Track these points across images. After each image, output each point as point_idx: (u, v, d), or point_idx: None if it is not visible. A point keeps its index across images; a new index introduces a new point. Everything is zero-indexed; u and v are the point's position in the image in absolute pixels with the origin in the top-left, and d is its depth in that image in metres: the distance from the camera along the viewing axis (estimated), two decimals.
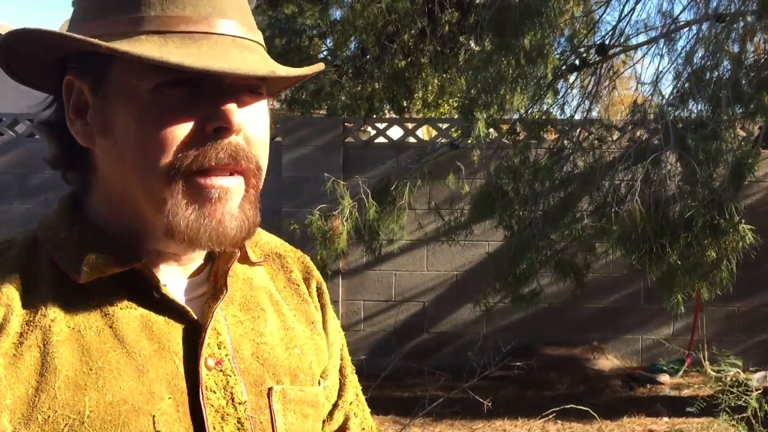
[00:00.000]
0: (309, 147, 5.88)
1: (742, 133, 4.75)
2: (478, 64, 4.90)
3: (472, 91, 4.96)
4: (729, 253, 3.56)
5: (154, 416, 0.73)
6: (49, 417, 0.70)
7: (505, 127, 5.34)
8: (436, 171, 5.35)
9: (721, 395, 3.71)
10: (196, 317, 0.78)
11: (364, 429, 1.01)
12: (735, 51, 4.27)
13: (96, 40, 0.70)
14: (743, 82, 4.08)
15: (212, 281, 0.82)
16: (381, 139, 6.07)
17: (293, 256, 0.96)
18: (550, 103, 5.07)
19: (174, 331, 0.77)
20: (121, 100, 0.73)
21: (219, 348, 0.79)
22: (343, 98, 7.03)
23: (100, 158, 0.77)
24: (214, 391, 0.77)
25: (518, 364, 5.30)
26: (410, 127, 6.06)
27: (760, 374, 5.25)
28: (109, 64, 0.73)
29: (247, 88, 0.76)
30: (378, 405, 5.15)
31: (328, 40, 7.47)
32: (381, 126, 6.16)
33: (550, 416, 3.98)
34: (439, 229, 5.71)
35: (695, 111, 4.13)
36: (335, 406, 0.98)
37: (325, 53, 7.55)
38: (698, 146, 3.54)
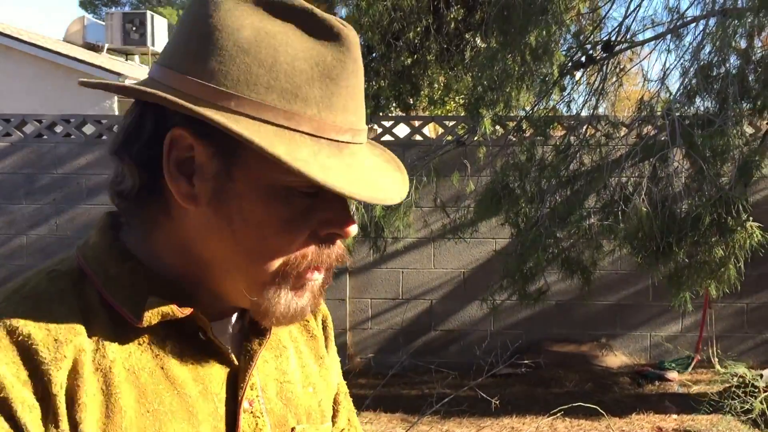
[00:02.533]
0: None
1: (750, 130, 4.73)
2: (483, 61, 4.89)
3: (478, 89, 4.95)
4: (737, 250, 3.54)
5: None
6: None
7: (511, 124, 5.33)
8: (443, 169, 5.34)
9: (728, 394, 3.70)
10: (237, 363, 0.79)
11: None
12: (742, 47, 4.25)
13: (260, 143, 0.65)
14: (750, 78, 4.06)
15: (238, 320, 0.83)
16: (387, 137, 6.07)
17: None
18: (557, 100, 5.06)
19: (216, 373, 0.78)
20: (251, 185, 0.71)
21: (251, 389, 0.80)
22: None
23: (196, 221, 0.74)
24: None
25: (526, 361, 5.30)
26: (416, 125, 6.06)
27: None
28: (242, 146, 0.68)
29: None
30: (386, 403, 5.17)
31: None
32: (387, 124, 6.15)
33: (559, 414, 3.97)
34: (445, 226, 5.71)
35: (702, 108, 4.11)
36: None
37: None
38: (705, 143, 3.52)
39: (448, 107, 8.87)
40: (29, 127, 6.13)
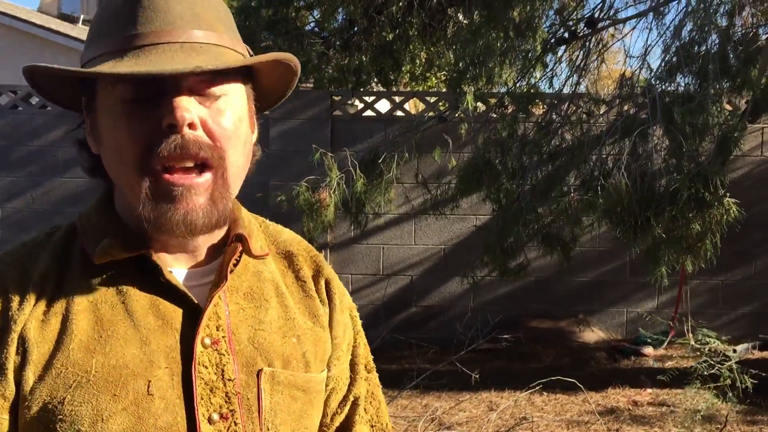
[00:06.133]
0: (297, 120, 5.85)
1: (729, 108, 4.77)
2: (466, 36, 4.87)
3: (461, 65, 4.94)
4: (713, 226, 3.59)
5: (149, 381, 0.83)
6: (61, 373, 0.82)
7: (493, 100, 5.33)
8: (424, 144, 5.34)
9: (700, 366, 3.76)
10: (196, 302, 0.88)
11: (374, 426, 1.06)
12: (723, 25, 4.26)
13: (70, 68, 0.83)
14: (731, 56, 4.09)
15: (218, 271, 0.91)
16: (369, 113, 6.04)
17: (306, 255, 1.03)
18: (538, 77, 5.06)
19: (177, 312, 0.88)
20: (102, 113, 0.86)
21: (217, 330, 0.88)
22: (330, 71, 6.97)
23: (104, 163, 0.89)
24: (206, 367, 0.86)
25: (505, 336, 5.35)
26: (398, 101, 6.03)
27: (742, 346, 5.33)
28: (95, 85, 0.86)
29: (204, 85, 0.85)
30: None
31: (315, 12, 7.39)
32: (369, 99, 6.12)
33: (537, 388, 4.02)
34: (426, 202, 5.72)
35: (683, 85, 4.13)
36: (344, 398, 1.04)
37: (312, 25, 7.47)
38: (685, 120, 3.55)
39: (429, 83, 8.83)
40: (3, 98, 6.01)
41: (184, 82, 0.83)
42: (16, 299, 0.85)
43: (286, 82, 0.96)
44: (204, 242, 0.92)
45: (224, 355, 0.87)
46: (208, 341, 0.87)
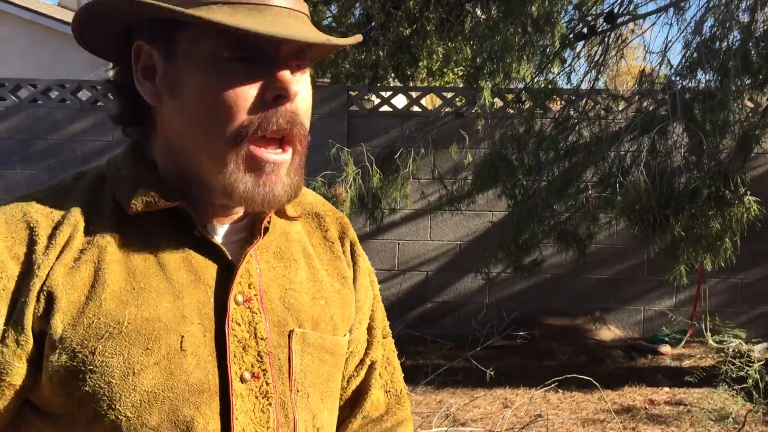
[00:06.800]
0: (313, 115, 5.77)
1: (750, 105, 4.70)
2: (484, 31, 4.84)
3: (478, 60, 4.91)
4: (733, 224, 3.54)
5: (182, 336, 0.81)
6: (93, 322, 0.79)
7: (510, 96, 5.29)
8: (440, 140, 5.32)
9: (722, 366, 3.72)
10: (230, 257, 0.87)
11: (388, 391, 1.07)
12: (745, 21, 4.20)
13: (177, 8, 0.77)
14: (752, 52, 4.03)
15: (250, 228, 0.90)
16: (385, 108, 6.03)
17: (332, 216, 1.03)
18: (556, 72, 5.02)
19: (210, 267, 0.86)
20: (190, 65, 0.80)
21: (249, 287, 0.87)
22: (347, 66, 6.97)
23: (166, 116, 0.85)
24: (239, 324, 0.85)
25: (520, 333, 5.33)
26: (415, 96, 6.01)
27: (761, 346, 5.27)
28: (177, 32, 0.81)
29: (297, 58, 0.82)
30: None
31: (333, 7, 7.38)
32: (386, 94, 6.11)
33: (552, 386, 4.01)
34: (442, 198, 5.70)
35: (703, 81, 4.08)
36: (361, 362, 1.04)
37: (329, 19, 7.47)
38: (705, 117, 3.50)
39: (446, 78, 8.80)
40: (24, 92, 6.06)
41: (284, 52, 0.81)
42: (41, 243, 0.81)
43: (322, 54, 0.97)
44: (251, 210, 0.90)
45: (256, 314, 0.86)
46: (240, 298, 0.86)
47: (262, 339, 0.86)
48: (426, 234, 5.94)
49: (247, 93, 0.79)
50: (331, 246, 1.00)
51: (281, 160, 0.83)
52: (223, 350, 0.83)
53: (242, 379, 0.84)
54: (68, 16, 11.18)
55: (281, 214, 0.94)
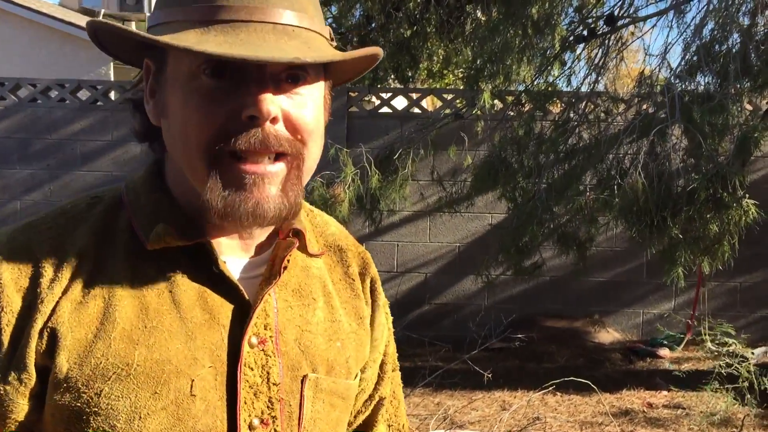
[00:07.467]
0: None
1: (750, 108, 4.70)
2: (484, 33, 4.84)
3: (478, 62, 4.91)
4: (731, 227, 3.54)
5: (193, 380, 0.78)
6: (100, 363, 0.76)
7: (510, 98, 5.29)
8: (440, 142, 5.31)
9: (719, 365, 3.72)
10: (247, 297, 0.83)
11: (391, 425, 1.05)
12: (745, 24, 4.20)
13: (146, 34, 0.76)
14: (752, 55, 4.02)
15: (269, 265, 0.86)
16: (385, 109, 6.03)
17: (354, 251, 1.00)
18: (556, 75, 5.02)
19: (226, 306, 0.82)
20: (172, 85, 0.79)
21: (265, 329, 0.84)
22: None
23: (164, 137, 0.83)
24: (252, 368, 0.82)
25: (519, 336, 5.32)
26: (415, 98, 6.01)
27: (760, 350, 5.27)
28: (165, 53, 0.80)
29: (288, 75, 0.78)
30: None
31: (333, 8, 7.38)
32: (385, 96, 6.11)
33: (550, 388, 4.00)
34: (441, 200, 5.69)
35: (703, 84, 4.08)
36: (370, 397, 1.02)
37: (329, 21, 7.47)
38: (704, 119, 3.50)
39: (446, 80, 8.80)
40: (23, 91, 6.06)
41: (269, 69, 0.77)
42: (47, 276, 0.78)
43: (362, 69, 0.93)
44: (260, 232, 0.87)
45: (270, 357, 0.83)
46: (255, 340, 0.82)
47: (274, 384, 0.83)
48: (425, 236, 5.93)
49: (221, 111, 0.76)
50: (351, 283, 0.97)
51: (266, 171, 0.78)
52: (234, 395, 0.80)
53: (251, 426, 0.81)
54: (68, 16, 11.18)
55: (303, 249, 0.90)
